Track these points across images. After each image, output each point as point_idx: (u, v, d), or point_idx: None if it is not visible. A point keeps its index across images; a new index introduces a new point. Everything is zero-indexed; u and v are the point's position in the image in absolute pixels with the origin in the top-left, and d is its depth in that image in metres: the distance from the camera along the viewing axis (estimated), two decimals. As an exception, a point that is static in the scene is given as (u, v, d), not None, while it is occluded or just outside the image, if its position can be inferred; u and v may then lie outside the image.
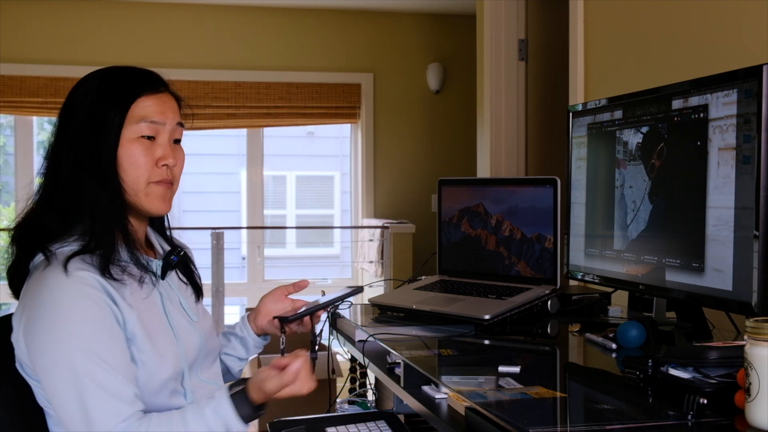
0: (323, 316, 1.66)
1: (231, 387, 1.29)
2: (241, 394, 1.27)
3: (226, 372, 1.61)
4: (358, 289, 1.63)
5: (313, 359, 1.58)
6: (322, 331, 1.70)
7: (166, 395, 1.30)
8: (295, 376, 1.25)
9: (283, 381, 1.25)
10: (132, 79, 1.35)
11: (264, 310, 1.61)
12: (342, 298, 1.61)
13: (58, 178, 1.32)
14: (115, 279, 1.27)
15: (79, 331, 1.20)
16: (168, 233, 1.51)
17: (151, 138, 1.34)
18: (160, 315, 1.34)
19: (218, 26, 5.47)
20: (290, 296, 1.63)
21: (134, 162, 1.32)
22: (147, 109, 1.33)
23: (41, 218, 1.31)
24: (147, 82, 1.36)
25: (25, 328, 1.25)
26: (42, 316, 1.22)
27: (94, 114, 1.31)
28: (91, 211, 1.29)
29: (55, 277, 1.23)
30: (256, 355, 1.63)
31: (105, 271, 1.26)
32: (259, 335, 1.62)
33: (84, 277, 1.23)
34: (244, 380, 1.30)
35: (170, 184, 1.37)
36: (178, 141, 1.40)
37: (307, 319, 1.59)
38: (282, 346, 1.55)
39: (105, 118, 1.31)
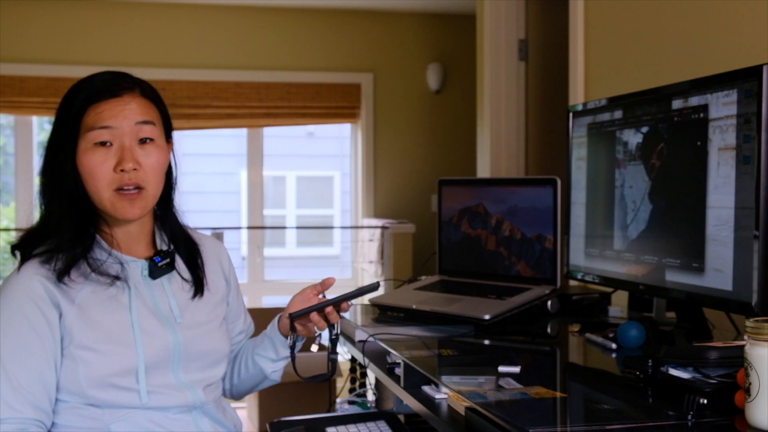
0: (344, 313, 1.59)
1: None
2: None
3: (260, 373, 1.59)
4: (374, 286, 1.58)
5: (333, 360, 1.56)
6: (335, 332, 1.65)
7: (112, 391, 1.32)
8: None
9: None
10: (85, 90, 1.36)
11: (290, 310, 1.57)
12: (355, 295, 1.56)
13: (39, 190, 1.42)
14: (68, 281, 1.33)
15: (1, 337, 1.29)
16: (169, 230, 1.49)
17: (108, 144, 1.34)
18: (121, 313, 1.36)
19: (218, 26, 5.47)
20: (319, 295, 1.58)
21: (91, 172, 1.34)
22: (98, 116, 1.33)
23: (32, 228, 1.40)
24: (103, 88, 1.35)
25: None
26: None
27: (56, 126, 1.38)
28: (52, 220, 1.36)
29: (8, 278, 1.34)
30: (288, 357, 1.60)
31: (60, 276, 1.32)
32: (285, 336, 1.58)
33: (29, 283, 1.31)
34: None
35: (137, 188, 1.35)
36: (150, 140, 1.37)
37: (317, 318, 1.53)
38: (290, 343, 1.54)
39: (62, 130, 1.36)
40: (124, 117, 1.34)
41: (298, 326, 1.55)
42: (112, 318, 1.35)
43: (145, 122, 1.36)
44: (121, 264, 1.39)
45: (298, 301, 1.56)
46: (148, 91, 1.40)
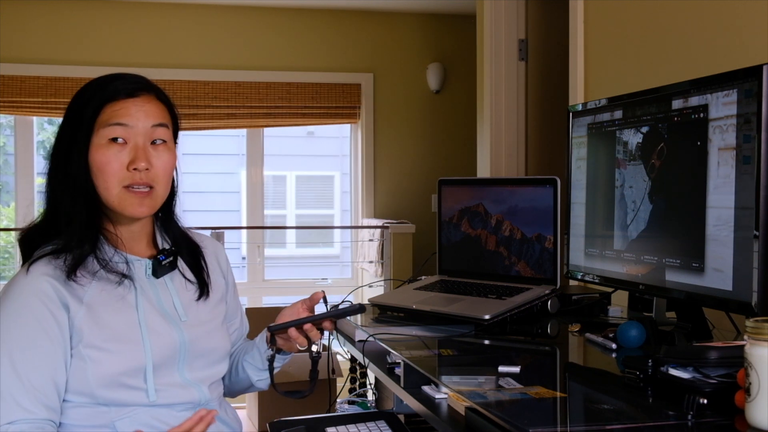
0: (327, 332, 1.57)
1: None
2: None
3: (247, 379, 1.60)
4: (360, 309, 1.53)
5: (313, 379, 1.54)
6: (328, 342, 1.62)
7: (121, 390, 1.32)
8: None
9: None
10: (107, 86, 1.37)
11: (279, 323, 1.56)
12: (335, 315, 1.52)
13: (46, 186, 1.41)
14: (76, 280, 1.33)
15: (9, 335, 1.29)
16: (170, 232, 1.50)
17: (122, 142, 1.35)
18: (128, 312, 1.36)
19: (218, 26, 5.47)
20: (308, 309, 1.56)
21: (103, 168, 1.34)
22: (116, 112, 1.35)
23: (36, 223, 1.41)
24: (121, 88, 1.37)
25: None
26: None
27: (69, 122, 1.37)
28: (62, 217, 1.36)
29: (16, 278, 1.33)
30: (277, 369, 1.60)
31: (69, 273, 1.32)
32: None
33: (37, 284, 1.30)
34: None
35: (148, 187, 1.37)
36: (163, 142, 1.39)
37: (298, 335, 1.50)
38: (267, 357, 1.53)
39: (77, 125, 1.36)
40: (141, 117, 1.36)
41: (279, 340, 1.54)
42: (120, 317, 1.35)
43: (160, 125, 1.39)
44: (127, 263, 1.40)
45: (287, 315, 1.55)
46: (162, 95, 1.43)
